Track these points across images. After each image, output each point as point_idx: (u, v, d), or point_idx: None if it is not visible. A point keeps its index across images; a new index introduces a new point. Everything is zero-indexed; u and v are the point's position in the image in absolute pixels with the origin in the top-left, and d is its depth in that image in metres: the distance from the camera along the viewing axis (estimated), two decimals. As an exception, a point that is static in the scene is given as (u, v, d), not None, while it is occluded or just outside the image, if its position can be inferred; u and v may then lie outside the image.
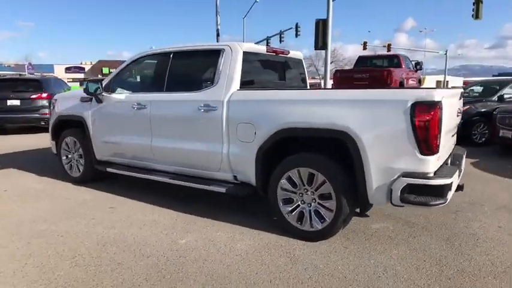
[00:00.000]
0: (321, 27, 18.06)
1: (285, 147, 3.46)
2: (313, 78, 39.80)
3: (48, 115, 10.12)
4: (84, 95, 4.97)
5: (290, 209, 3.40)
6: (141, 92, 4.48)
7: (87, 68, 61.50)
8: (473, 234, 3.49)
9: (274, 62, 4.45)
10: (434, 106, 2.75)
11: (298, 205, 3.37)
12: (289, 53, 4.56)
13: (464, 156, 3.90)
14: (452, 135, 3.72)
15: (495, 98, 8.44)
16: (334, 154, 3.23)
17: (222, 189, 3.78)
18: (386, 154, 2.90)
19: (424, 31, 63.78)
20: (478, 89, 9.84)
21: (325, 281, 2.68)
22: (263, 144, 3.44)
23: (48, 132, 5.72)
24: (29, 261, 2.99)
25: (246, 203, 4.28)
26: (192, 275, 2.77)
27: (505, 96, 8.37)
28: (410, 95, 2.81)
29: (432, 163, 2.83)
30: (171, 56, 4.23)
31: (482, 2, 19.52)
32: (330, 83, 16.13)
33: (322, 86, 17.89)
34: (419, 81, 15.85)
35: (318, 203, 3.26)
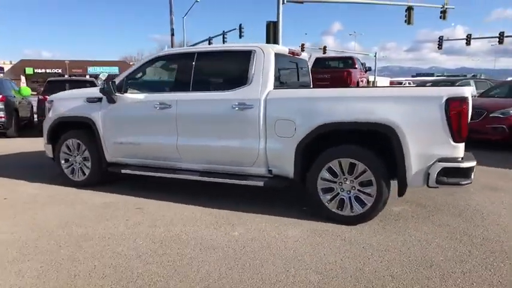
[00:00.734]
0: (272, 29, 18.72)
1: (323, 141, 3.76)
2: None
3: (4, 118, 9.33)
4: (90, 95, 4.84)
5: (330, 197, 3.73)
6: (164, 92, 4.49)
7: (7, 68, 55.98)
8: (476, 210, 4.11)
9: (292, 62, 4.75)
10: (464, 101, 3.26)
11: (338, 193, 3.71)
12: (301, 54, 4.89)
13: None
14: None
15: None
16: (371, 145, 3.62)
17: (260, 183, 3.99)
18: (424, 143, 3.35)
19: (353, 34, 68.11)
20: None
21: (386, 256, 3.04)
22: (303, 139, 3.72)
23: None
24: (96, 262, 2.95)
25: (273, 197, 4.52)
26: (267, 260, 2.97)
27: None
28: (444, 92, 3.30)
29: (461, 149, 3.35)
30: (196, 56, 4.32)
31: (413, 9, 21.61)
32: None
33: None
34: (368, 81, 17.16)
35: (358, 190, 3.63)
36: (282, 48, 4.37)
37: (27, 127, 11.42)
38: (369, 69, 16.90)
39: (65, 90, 10.06)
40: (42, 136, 5.39)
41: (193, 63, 4.31)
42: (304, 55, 5.11)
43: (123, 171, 4.72)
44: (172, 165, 4.52)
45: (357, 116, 3.49)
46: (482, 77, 32.68)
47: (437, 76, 30.04)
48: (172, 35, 18.37)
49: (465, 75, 34.25)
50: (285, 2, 18.52)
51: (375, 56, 43.44)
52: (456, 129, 3.28)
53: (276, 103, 3.86)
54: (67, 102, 5.05)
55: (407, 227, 3.63)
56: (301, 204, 4.23)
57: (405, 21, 22.13)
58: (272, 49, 4.06)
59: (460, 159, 3.36)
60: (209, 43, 34.09)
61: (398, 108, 3.38)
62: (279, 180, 3.98)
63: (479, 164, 3.79)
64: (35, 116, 11.25)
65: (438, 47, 32.30)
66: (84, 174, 5.02)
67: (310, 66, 5.40)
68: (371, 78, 49.03)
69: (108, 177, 5.03)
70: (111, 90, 4.46)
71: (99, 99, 4.72)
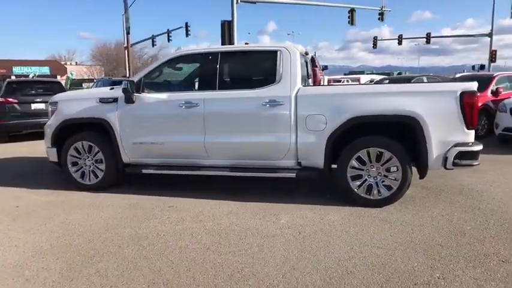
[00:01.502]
0: (227, 28, 18.90)
1: (349, 133, 4.14)
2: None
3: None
4: (103, 95, 4.75)
5: (359, 183, 4.12)
6: (187, 91, 4.56)
7: None
8: (471, 188, 4.77)
9: (305, 61, 5.07)
10: (474, 93, 3.83)
11: (366, 179, 4.12)
12: (308, 53, 5.23)
13: None
14: None
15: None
16: (393, 135, 4.07)
17: (292, 175, 4.27)
18: (442, 130, 3.87)
19: (291, 34, 70.32)
20: None
21: (425, 230, 3.50)
22: (334, 131, 4.07)
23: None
24: (170, 258, 3.03)
25: (290, 188, 4.82)
26: (328, 242, 3.26)
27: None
28: (459, 86, 3.84)
29: (472, 135, 3.92)
30: (220, 56, 4.46)
31: (355, 11, 23.08)
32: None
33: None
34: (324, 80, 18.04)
35: (384, 176, 4.07)
36: (301, 48, 4.67)
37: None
38: (326, 67, 17.80)
39: (29, 92, 9.47)
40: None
41: (218, 62, 4.44)
42: (308, 54, 5.46)
43: (143, 171, 4.70)
44: (196, 163, 4.61)
45: (386, 109, 3.91)
46: (407, 74, 36.08)
47: (367, 74, 32.47)
48: (128, 33, 17.71)
49: (392, 73, 37.23)
50: (239, 1, 18.82)
51: (314, 54, 45.46)
52: (469, 118, 3.83)
53: (307, 99, 4.16)
54: (75, 104, 4.88)
55: (425, 206, 4.15)
56: (318, 192, 4.58)
57: (348, 22, 23.65)
58: (297, 49, 4.35)
59: (471, 144, 3.93)
60: (152, 42, 33.26)
61: (421, 101, 3.86)
62: (309, 171, 4.29)
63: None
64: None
65: (373, 47, 34.66)
66: (97, 177, 4.89)
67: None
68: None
69: (125, 178, 4.98)
70: (131, 90, 4.43)
71: (115, 100, 4.65)
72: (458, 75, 12.88)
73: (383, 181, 4.08)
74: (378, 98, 3.99)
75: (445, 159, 3.91)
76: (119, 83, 10.56)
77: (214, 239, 3.38)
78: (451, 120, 3.86)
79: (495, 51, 29.39)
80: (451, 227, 3.56)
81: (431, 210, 4.00)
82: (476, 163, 3.96)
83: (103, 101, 4.70)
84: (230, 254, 3.08)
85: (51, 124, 4.99)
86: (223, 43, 19.34)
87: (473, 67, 34.28)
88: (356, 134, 4.13)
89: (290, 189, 4.81)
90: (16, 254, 3.15)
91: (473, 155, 3.93)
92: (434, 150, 3.90)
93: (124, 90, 4.44)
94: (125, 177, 5.08)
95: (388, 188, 4.06)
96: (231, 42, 18.96)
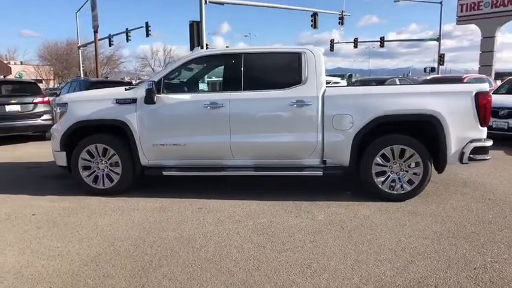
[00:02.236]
0: (196, 28, 18.68)
1: (372, 132, 4.34)
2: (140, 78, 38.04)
3: None
4: (120, 96, 4.61)
5: (383, 179, 4.34)
6: (213, 92, 4.53)
7: None
8: (473, 181, 5.17)
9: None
10: (488, 94, 4.20)
11: (389, 175, 4.35)
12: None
13: None
14: None
15: None
16: (414, 132, 4.33)
17: (319, 173, 4.40)
18: (460, 128, 4.19)
19: (248, 36, 70.76)
20: None
21: (453, 220, 3.77)
22: (360, 130, 4.25)
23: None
24: (234, 258, 3.03)
25: (308, 187, 4.95)
26: (374, 234, 3.42)
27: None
28: (473, 87, 4.18)
29: (485, 132, 4.28)
30: (243, 57, 4.49)
31: (318, 15, 23.77)
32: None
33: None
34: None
35: (406, 171, 4.32)
36: (322, 49, 4.81)
37: None
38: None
39: (2, 93, 8.78)
40: None
41: (242, 63, 4.47)
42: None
43: (165, 173, 4.60)
44: (219, 163, 4.60)
45: (409, 108, 4.17)
46: (358, 76, 37.68)
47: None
48: (96, 32, 16.90)
49: (344, 75, 38.67)
50: (207, 2, 18.69)
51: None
52: (483, 116, 4.19)
53: (334, 100, 4.31)
54: (88, 105, 4.66)
55: (442, 198, 4.46)
56: (335, 190, 4.77)
57: (311, 25, 24.30)
58: (320, 51, 4.49)
59: (483, 140, 4.29)
60: (109, 41, 32.00)
61: (441, 101, 4.15)
62: (335, 169, 4.44)
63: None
64: None
65: (330, 49, 35.89)
66: (112, 181, 4.70)
67: None
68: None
69: (141, 181, 4.83)
70: (153, 91, 4.34)
71: (134, 101, 4.51)
72: (429, 77, 13.81)
73: (405, 176, 4.33)
74: (402, 99, 4.24)
75: (462, 154, 4.23)
76: (101, 84, 10.13)
77: (265, 238, 3.41)
78: (467, 118, 4.19)
79: (443, 54, 31.64)
80: (476, 216, 3.87)
81: (449, 202, 4.30)
82: (489, 157, 4.33)
83: (120, 101, 4.54)
84: (289, 251, 3.14)
85: (60, 126, 4.72)
86: (191, 43, 19.12)
87: (425, 70, 36.51)
88: (379, 132, 4.35)
89: (307, 188, 4.93)
90: (65, 263, 2.99)
91: (486, 150, 4.29)
92: (453, 146, 4.21)
93: (148, 91, 4.32)
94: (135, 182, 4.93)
95: (410, 182, 4.32)
96: (199, 43, 18.81)
